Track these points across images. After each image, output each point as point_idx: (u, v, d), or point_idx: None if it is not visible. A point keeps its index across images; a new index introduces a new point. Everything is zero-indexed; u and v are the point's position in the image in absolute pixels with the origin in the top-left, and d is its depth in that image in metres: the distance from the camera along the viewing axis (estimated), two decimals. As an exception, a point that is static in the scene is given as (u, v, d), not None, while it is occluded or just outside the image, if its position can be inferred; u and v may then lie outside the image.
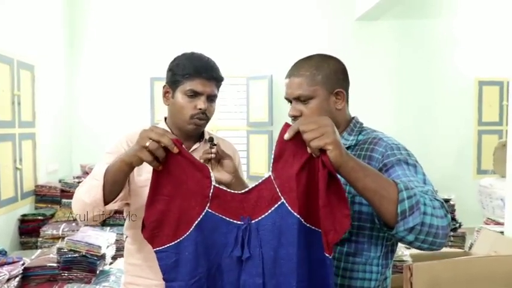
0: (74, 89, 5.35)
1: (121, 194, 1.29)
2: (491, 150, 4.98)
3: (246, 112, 5.64)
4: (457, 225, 4.01)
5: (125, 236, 1.62)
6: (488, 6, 5.87)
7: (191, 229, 1.08)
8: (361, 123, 1.35)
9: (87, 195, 1.26)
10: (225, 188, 1.10)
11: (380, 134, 1.30)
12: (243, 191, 1.08)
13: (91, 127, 5.32)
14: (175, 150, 1.07)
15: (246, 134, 5.67)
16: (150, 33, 5.42)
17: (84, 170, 4.75)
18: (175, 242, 1.09)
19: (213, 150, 1.34)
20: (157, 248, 1.10)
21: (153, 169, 1.09)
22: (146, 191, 1.11)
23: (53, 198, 4.34)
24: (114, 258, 3.40)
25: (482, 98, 5.97)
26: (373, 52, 5.73)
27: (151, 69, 5.22)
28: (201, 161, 1.34)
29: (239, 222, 1.07)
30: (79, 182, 4.32)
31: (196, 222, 1.08)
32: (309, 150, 0.97)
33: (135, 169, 1.44)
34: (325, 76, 1.26)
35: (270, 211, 1.04)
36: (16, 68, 3.96)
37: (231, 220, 1.07)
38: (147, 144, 1.05)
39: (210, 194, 1.08)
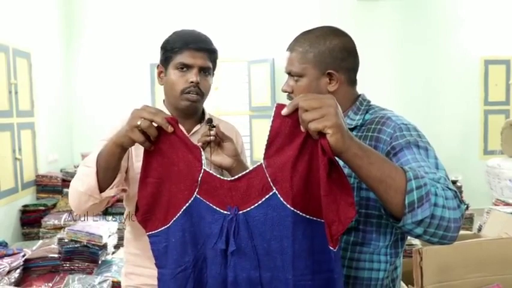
0: (72, 77, 5.27)
1: (117, 179, 1.22)
2: (498, 130, 4.90)
3: (248, 96, 5.56)
4: (465, 206, 3.97)
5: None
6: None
7: (178, 214, 1.02)
8: (369, 101, 1.25)
9: (81, 184, 1.20)
10: (214, 173, 1.01)
11: (389, 112, 1.20)
12: (232, 178, 0.99)
13: (91, 115, 5.23)
14: (170, 129, 1.00)
15: (248, 118, 5.59)
16: (148, 18, 5.31)
17: (85, 159, 4.70)
18: (166, 226, 1.04)
19: (212, 132, 1.28)
20: (150, 232, 1.05)
21: (144, 150, 1.03)
22: None
23: (54, 188, 4.29)
24: (117, 247, 3.36)
25: (488, 77, 5.85)
26: (376, 32, 5.60)
27: (150, 55, 5.11)
28: (200, 144, 1.27)
29: (226, 212, 0.99)
30: (80, 171, 4.28)
31: (184, 207, 1.02)
32: (302, 129, 0.88)
33: (134, 155, 1.39)
34: (318, 54, 1.18)
35: (260, 202, 0.96)
36: (12, 56, 3.88)
37: (218, 209, 0.99)
38: (139, 123, 1.00)
39: (200, 178, 1.01)
